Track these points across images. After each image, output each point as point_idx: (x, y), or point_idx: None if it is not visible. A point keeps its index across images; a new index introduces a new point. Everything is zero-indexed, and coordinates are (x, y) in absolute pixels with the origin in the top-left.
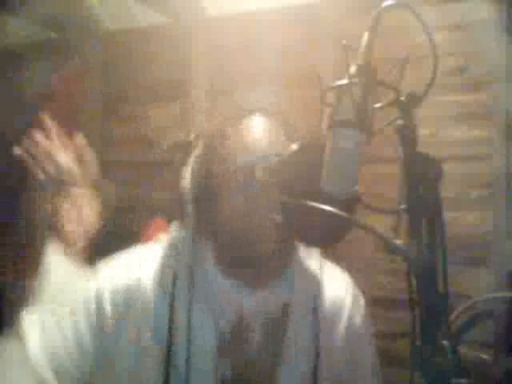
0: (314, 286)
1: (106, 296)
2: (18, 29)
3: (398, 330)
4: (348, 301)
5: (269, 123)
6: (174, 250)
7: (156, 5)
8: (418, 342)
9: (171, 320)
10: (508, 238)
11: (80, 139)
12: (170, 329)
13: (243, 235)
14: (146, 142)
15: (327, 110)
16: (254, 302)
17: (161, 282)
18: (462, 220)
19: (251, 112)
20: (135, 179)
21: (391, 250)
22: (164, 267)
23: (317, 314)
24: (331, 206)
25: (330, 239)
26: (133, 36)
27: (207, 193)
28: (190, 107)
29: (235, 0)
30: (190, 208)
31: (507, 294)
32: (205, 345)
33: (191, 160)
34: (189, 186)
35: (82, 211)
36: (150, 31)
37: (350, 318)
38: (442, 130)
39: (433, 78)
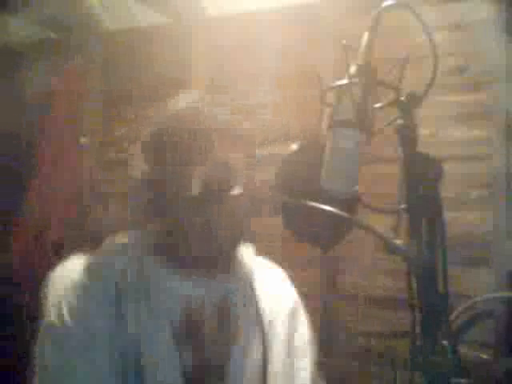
0: (251, 275)
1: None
2: (18, 29)
3: (398, 329)
4: (286, 291)
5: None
6: (111, 259)
7: (156, 5)
8: (418, 342)
9: (120, 328)
10: (508, 238)
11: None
12: (121, 337)
13: (198, 237)
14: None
15: (327, 110)
16: (202, 292)
17: (104, 294)
18: (462, 220)
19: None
20: None
21: (391, 250)
22: (106, 278)
23: (258, 305)
24: (331, 206)
25: (331, 239)
26: (133, 36)
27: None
28: None
29: (235, 0)
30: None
31: (507, 294)
32: (161, 344)
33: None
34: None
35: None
36: (150, 31)
37: (291, 310)
38: (442, 130)
39: (433, 78)
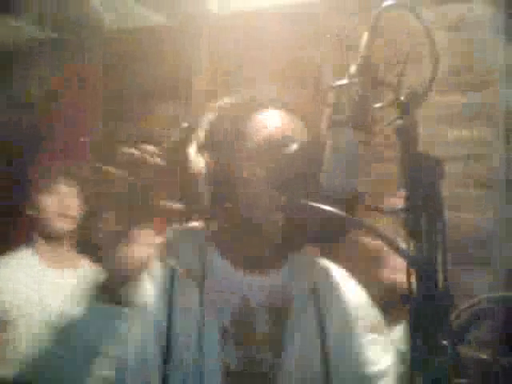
0: (312, 274)
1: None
2: (18, 29)
3: None
4: (349, 289)
5: (284, 116)
6: (170, 249)
7: (157, 5)
8: (418, 342)
9: (169, 319)
10: (508, 238)
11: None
12: (169, 327)
13: (255, 224)
14: (147, 141)
15: (327, 110)
16: (257, 288)
17: (158, 281)
18: (462, 220)
19: (266, 105)
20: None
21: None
22: (161, 267)
23: (318, 302)
24: (332, 206)
25: (331, 239)
26: (134, 36)
27: (222, 182)
28: (190, 107)
29: (235, 0)
30: (205, 194)
31: (507, 293)
32: (208, 338)
33: (196, 147)
34: (204, 174)
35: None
36: (151, 31)
37: (352, 304)
38: (442, 130)
39: (433, 78)
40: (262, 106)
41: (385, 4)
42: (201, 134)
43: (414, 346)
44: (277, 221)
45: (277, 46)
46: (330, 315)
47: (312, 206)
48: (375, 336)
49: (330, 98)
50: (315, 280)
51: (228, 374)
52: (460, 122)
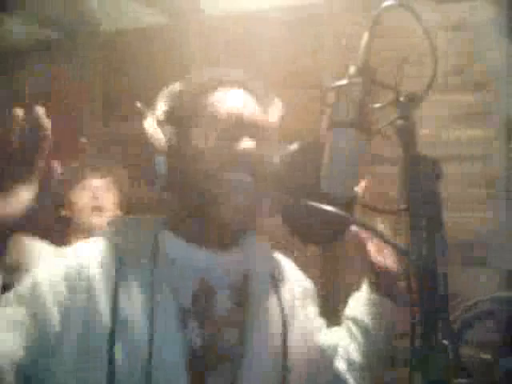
0: (273, 261)
1: (44, 287)
2: (18, 29)
3: (397, 329)
4: (308, 286)
5: (243, 95)
6: (116, 236)
7: (155, 5)
8: (418, 343)
9: (114, 306)
10: (508, 238)
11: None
12: (113, 314)
13: (212, 200)
14: (146, 141)
15: (327, 110)
16: (216, 266)
17: (104, 268)
18: (462, 220)
19: (227, 84)
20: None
21: (391, 249)
22: (107, 253)
23: (278, 288)
24: (331, 206)
25: (330, 239)
26: (132, 36)
27: (180, 157)
28: None
29: (235, 2)
30: (162, 170)
31: (507, 293)
32: (162, 319)
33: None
34: (162, 150)
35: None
36: (150, 31)
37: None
38: (442, 130)
39: (432, 78)
40: (223, 84)
41: (385, 4)
42: (160, 108)
43: (413, 347)
44: (238, 205)
45: (277, 46)
46: (289, 308)
47: (312, 206)
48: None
49: (330, 98)
50: (274, 266)
51: (191, 353)
52: (460, 121)
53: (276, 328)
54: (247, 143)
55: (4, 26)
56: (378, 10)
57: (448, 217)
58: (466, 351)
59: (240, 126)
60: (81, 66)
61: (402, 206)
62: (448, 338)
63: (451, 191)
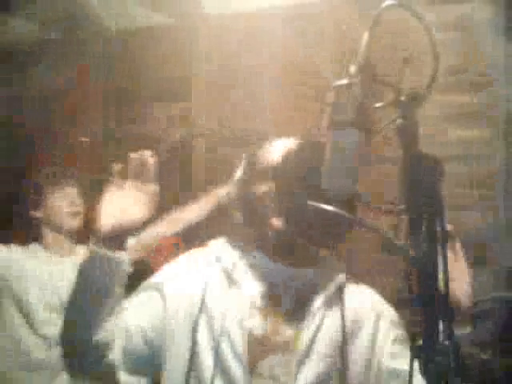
0: (341, 278)
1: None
2: (18, 29)
3: None
4: (375, 311)
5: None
6: (214, 255)
7: (156, 5)
8: (418, 342)
9: (203, 300)
10: (508, 238)
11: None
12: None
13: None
14: (146, 141)
15: (327, 110)
16: (285, 277)
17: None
18: (462, 220)
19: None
20: None
21: (392, 249)
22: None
23: (343, 303)
24: (332, 206)
25: (331, 239)
26: (133, 36)
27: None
28: (190, 107)
29: (235, 1)
30: (238, 215)
31: (507, 294)
32: (232, 309)
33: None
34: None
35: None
36: (151, 31)
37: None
38: (442, 130)
39: (433, 78)
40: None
41: (385, 4)
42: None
43: (413, 346)
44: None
45: (277, 45)
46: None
47: (312, 206)
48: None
49: (330, 97)
50: (339, 281)
51: (252, 338)
52: (460, 121)
53: (333, 341)
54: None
55: (4, 26)
56: (378, 9)
57: (448, 217)
58: (466, 351)
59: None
60: (81, 65)
61: (402, 206)
62: (448, 338)
63: (451, 191)
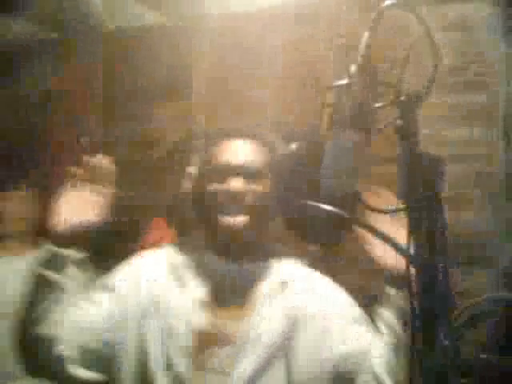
0: (287, 272)
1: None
2: (18, 29)
3: None
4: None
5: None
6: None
7: (156, 5)
8: (418, 342)
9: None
10: (508, 238)
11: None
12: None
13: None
14: (146, 141)
15: (327, 110)
16: (232, 274)
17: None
18: (462, 220)
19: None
20: (135, 179)
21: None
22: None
23: (286, 296)
24: (332, 206)
25: (331, 239)
26: (133, 36)
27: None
28: (190, 107)
29: (235, 0)
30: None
31: (507, 294)
32: (179, 305)
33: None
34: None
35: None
36: (150, 31)
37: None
38: (442, 130)
39: (433, 78)
40: (229, 136)
41: (385, 3)
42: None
43: (413, 346)
44: (238, 224)
45: (276, 45)
46: (301, 315)
47: (312, 206)
48: (359, 327)
49: (330, 98)
50: (285, 275)
51: (201, 335)
52: (460, 122)
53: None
54: (236, 183)
55: (4, 26)
56: (378, 9)
57: (448, 217)
58: (465, 351)
59: (233, 170)
60: (81, 65)
61: (402, 206)
62: (448, 338)
63: (451, 191)
